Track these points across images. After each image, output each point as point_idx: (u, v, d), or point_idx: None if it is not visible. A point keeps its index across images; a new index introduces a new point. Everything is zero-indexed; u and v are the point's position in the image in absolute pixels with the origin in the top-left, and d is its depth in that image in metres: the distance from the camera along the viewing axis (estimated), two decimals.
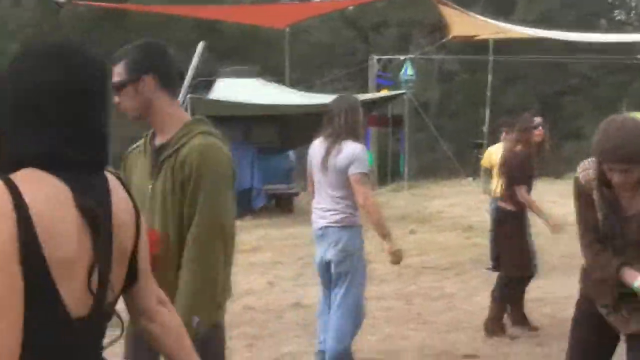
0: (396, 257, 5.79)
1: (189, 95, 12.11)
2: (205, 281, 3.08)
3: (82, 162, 1.93)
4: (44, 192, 1.82)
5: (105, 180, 2.01)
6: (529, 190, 7.14)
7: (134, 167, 3.30)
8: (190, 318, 2.99)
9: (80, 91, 1.93)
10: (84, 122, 1.94)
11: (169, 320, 2.28)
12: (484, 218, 10.71)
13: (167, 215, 3.12)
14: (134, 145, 3.38)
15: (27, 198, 1.77)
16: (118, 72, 3.15)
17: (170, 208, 3.11)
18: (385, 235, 5.70)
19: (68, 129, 1.90)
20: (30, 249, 1.74)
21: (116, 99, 3.16)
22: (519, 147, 7.14)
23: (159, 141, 3.23)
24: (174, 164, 3.11)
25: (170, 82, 3.22)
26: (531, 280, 7.35)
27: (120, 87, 3.14)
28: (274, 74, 21.35)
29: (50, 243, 1.77)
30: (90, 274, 1.86)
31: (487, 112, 24.18)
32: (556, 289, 8.35)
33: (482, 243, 10.41)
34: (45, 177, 1.85)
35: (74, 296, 1.83)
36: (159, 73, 3.16)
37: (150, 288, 2.21)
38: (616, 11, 39.67)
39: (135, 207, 2.12)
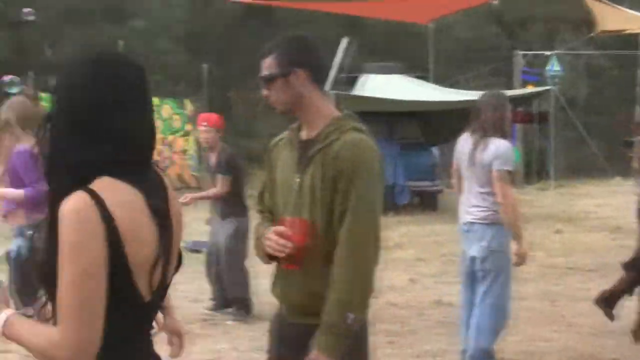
0: (520, 260, 5.75)
1: (333, 91, 12.23)
2: (359, 278, 3.07)
3: (138, 162, 2.12)
4: (122, 199, 2.03)
5: (156, 173, 2.22)
6: None
7: (278, 160, 3.31)
8: (344, 315, 3.01)
9: (125, 101, 2.10)
10: (133, 128, 2.11)
11: None
12: (634, 219, 10.35)
13: (316, 207, 3.11)
14: (278, 138, 3.38)
15: (110, 208, 1.99)
16: (268, 66, 3.15)
17: (319, 201, 3.10)
18: (517, 236, 5.66)
19: (121, 137, 2.07)
20: (116, 254, 2.00)
21: (264, 91, 3.19)
22: None
23: (306, 135, 3.21)
24: (325, 159, 3.09)
25: (320, 76, 3.22)
26: None
27: (270, 80, 3.15)
28: (417, 70, 21.24)
29: (132, 247, 2.02)
30: (155, 266, 2.10)
31: (638, 109, 23.33)
32: None
33: (630, 245, 10.06)
34: (118, 184, 2.04)
35: (144, 285, 2.10)
36: (311, 67, 3.16)
37: None
38: None
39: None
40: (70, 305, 1.99)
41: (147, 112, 2.19)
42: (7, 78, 7.31)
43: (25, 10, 7.85)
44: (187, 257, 7.29)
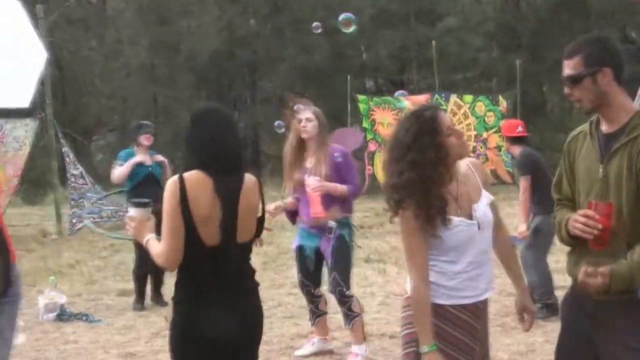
0: None
1: None
2: None
3: (224, 168, 3.74)
4: (196, 180, 3.70)
5: (241, 177, 3.80)
6: None
7: (578, 151, 3.49)
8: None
9: (218, 138, 3.77)
10: (222, 149, 3.76)
11: None
12: None
13: (621, 194, 3.27)
14: (577, 131, 3.56)
15: (187, 183, 3.69)
16: (574, 66, 3.33)
17: (624, 188, 3.26)
18: None
19: (215, 153, 3.74)
20: (185, 209, 3.66)
21: (568, 90, 3.38)
22: None
23: (607, 129, 3.37)
24: (631, 151, 3.25)
25: (621, 74, 3.34)
26: None
27: (577, 80, 3.33)
28: None
29: (194, 206, 3.67)
30: (221, 224, 3.70)
31: None
32: None
33: None
34: (200, 174, 3.72)
35: (208, 234, 3.70)
36: (614, 66, 3.31)
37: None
38: None
39: (260, 192, 3.92)
40: (164, 232, 3.69)
41: (228, 139, 3.80)
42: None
43: (314, 24, 8.20)
44: None
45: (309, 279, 6.67)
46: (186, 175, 3.71)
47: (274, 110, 30.05)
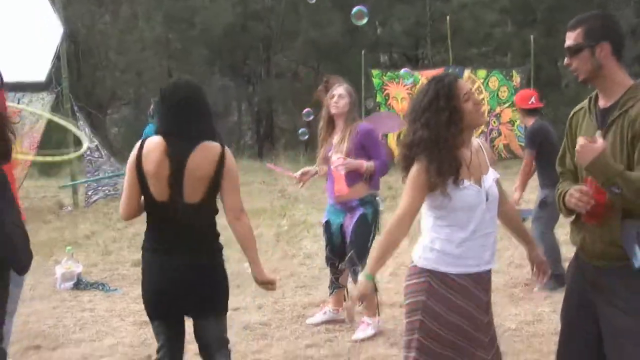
0: None
1: None
2: None
3: (178, 136, 4.12)
4: (153, 144, 4.15)
5: (193, 144, 4.09)
6: None
7: (579, 126, 3.65)
8: None
9: (174, 110, 4.17)
10: (177, 119, 4.14)
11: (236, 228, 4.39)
12: None
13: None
14: (578, 107, 3.72)
15: (145, 146, 4.17)
16: (575, 37, 3.52)
17: (618, 160, 3.39)
18: None
19: (171, 122, 4.16)
20: (138, 166, 4.13)
21: (567, 60, 3.56)
22: None
23: (603, 104, 3.53)
24: (623, 123, 3.40)
25: (620, 50, 3.51)
26: None
27: (576, 51, 3.52)
28: None
29: (146, 164, 4.12)
30: (168, 182, 4.08)
31: None
32: None
33: None
34: (159, 139, 4.15)
35: (158, 190, 4.13)
36: (614, 42, 3.49)
37: (227, 203, 4.25)
38: None
39: (219, 160, 4.10)
40: (124, 186, 4.25)
41: (184, 110, 4.12)
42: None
43: None
44: None
45: (334, 254, 6.80)
46: (147, 139, 4.23)
47: (289, 84, 30.13)
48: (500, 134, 19.60)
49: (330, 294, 7.02)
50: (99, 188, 15.06)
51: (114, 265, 10.03)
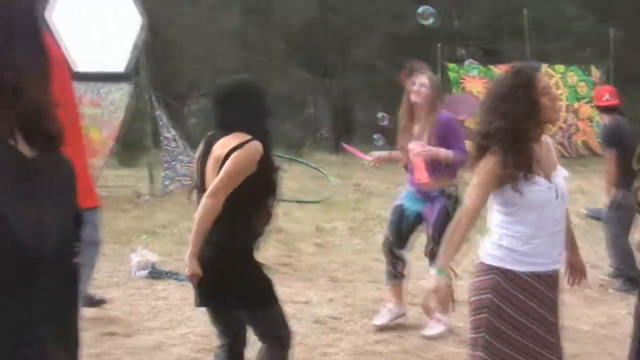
0: None
1: None
2: None
3: (218, 128, 4.34)
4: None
5: (220, 135, 4.27)
6: None
7: None
8: None
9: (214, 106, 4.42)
10: (216, 113, 4.41)
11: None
12: None
13: None
14: None
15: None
16: None
17: None
18: None
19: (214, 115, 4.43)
20: None
21: None
22: None
23: None
24: None
25: None
26: None
27: None
28: None
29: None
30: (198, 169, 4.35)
31: None
32: None
33: None
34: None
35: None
36: None
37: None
38: None
39: (234, 148, 4.11)
40: None
41: (217, 106, 4.34)
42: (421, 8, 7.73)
43: None
44: (587, 223, 7.48)
45: (396, 238, 6.64)
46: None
47: (366, 77, 30.10)
48: (578, 130, 19.27)
49: (386, 284, 6.84)
50: (176, 178, 15.27)
51: None
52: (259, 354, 4.48)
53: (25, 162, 1.79)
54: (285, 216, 12.96)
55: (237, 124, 4.22)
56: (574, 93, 19.18)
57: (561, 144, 19.08)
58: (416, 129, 6.45)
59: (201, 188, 4.31)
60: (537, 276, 3.68)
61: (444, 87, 19.37)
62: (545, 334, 3.68)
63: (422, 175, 6.39)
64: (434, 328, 6.50)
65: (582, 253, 8.99)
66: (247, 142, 4.14)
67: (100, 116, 14.93)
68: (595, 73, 19.37)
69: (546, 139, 3.83)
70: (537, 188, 3.63)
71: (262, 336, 4.41)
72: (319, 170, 12.33)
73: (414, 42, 27.26)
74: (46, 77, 1.89)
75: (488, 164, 3.64)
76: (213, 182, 4.14)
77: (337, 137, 31.39)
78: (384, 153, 6.82)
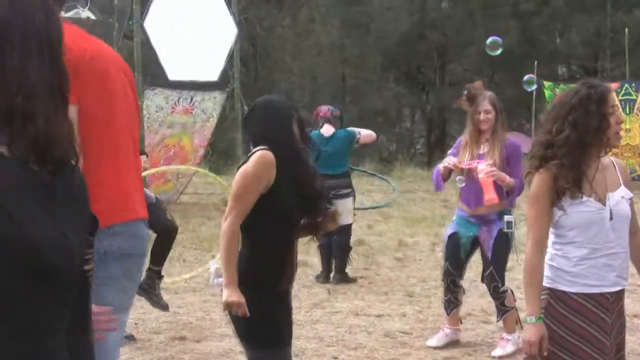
0: None
1: None
2: None
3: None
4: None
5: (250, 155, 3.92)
6: None
7: None
8: None
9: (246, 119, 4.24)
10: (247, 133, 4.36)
11: None
12: None
13: None
14: None
15: None
16: None
17: None
18: None
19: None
20: None
21: None
22: None
23: None
24: None
25: None
26: None
27: None
28: None
29: None
30: None
31: None
32: None
33: None
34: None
35: None
36: None
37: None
38: None
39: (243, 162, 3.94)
40: None
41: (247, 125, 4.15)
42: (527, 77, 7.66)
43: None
44: None
45: (457, 268, 6.56)
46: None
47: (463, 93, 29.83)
48: None
49: (448, 313, 6.71)
50: None
51: None
52: None
53: (44, 181, 1.77)
54: (369, 229, 12.94)
55: (258, 142, 3.96)
56: None
57: None
58: (482, 149, 6.33)
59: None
60: (590, 297, 3.53)
61: (539, 104, 19.06)
62: (599, 357, 3.53)
63: (492, 196, 6.25)
64: (503, 348, 6.35)
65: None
66: (253, 154, 3.91)
67: (192, 124, 15.18)
68: None
69: (609, 159, 3.68)
70: (583, 207, 3.49)
71: None
72: (380, 177, 12.25)
73: (512, 58, 26.94)
74: (62, 98, 1.82)
75: (540, 182, 3.53)
76: (228, 205, 3.94)
77: (431, 152, 31.20)
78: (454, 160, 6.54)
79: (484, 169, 6.21)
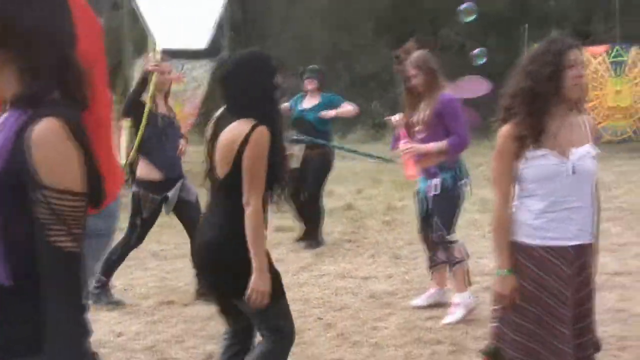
0: None
1: None
2: None
3: (228, 110, 4.05)
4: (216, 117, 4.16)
5: (232, 121, 3.91)
6: None
7: None
8: None
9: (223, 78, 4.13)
10: (226, 94, 4.07)
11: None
12: None
13: None
14: None
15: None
16: None
17: None
18: None
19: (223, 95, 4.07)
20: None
21: None
22: None
23: None
24: None
25: None
26: None
27: None
28: None
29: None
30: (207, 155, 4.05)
31: None
32: None
33: None
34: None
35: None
36: None
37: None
38: None
39: (243, 141, 3.82)
40: None
41: (228, 85, 4.02)
42: (476, 51, 7.63)
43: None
44: None
45: (422, 224, 6.59)
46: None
47: (455, 58, 29.78)
48: None
49: (429, 272, 6.78)
50: None
51: None
52: (252, 350, 4.21)
53: None
54: (358, 194, 13.03)
55: (244, 110, 3.94)
56: None
57: None
58: (418, 114, 6.34)
59: (211, 173, 4.05)
60: (551, 249, 3.63)
61: None
62: (558, 307, 3.63)
63: (412, 172, 6.35)
64: (453, 314, 6.32)
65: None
66: (252, 130, 3.85)
67: (183, 92, 15.20)
68: None
69: (581, 118, 3.75)
70: (544, 160, 3.60)
71: (262, 326, 4.11)
72: (372, 156, 12.23)
73: (504, 22, 26.91)
74: (75, 39, 2.01)
75: (503, 137, 3.64)
76: (245, 188, 3.84)
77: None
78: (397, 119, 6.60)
79: (401, 146, 6.26)
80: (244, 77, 3.97)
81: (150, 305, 6.85)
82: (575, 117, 3.72)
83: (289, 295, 6.90)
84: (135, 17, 15.15)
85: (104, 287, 6.79)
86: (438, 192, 6.33)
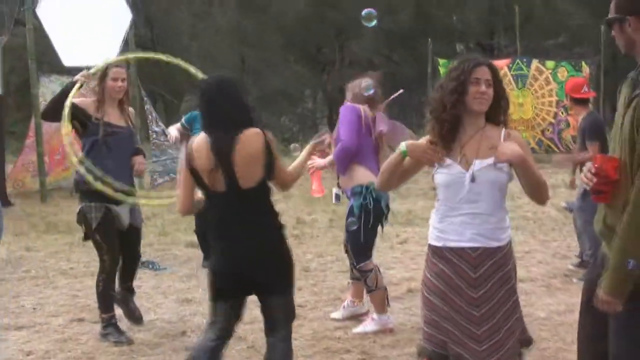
0: None
1: None
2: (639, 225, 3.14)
3: (219, 129, 4.32)
4: (199, 141, 4.35)
5: (235, 135, 4.26)
6: None
7: (621, 98, 3.41)
8: (624, 260, 3.16)
9: (212, 107, 4.38)
10: (216, 114, 4.35)
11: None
12: None
13: (625, 146, 3.22)
14: (629, 76, 3.39)
15: (193, 144, 4.37)
16: (610, 10, 3.37)
17: (627, 140, 3.20)
18: None
19: (210, 118, 4.38)
20: (190, 164, 4.34)
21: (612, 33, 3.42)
22: None
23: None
24: (637, 105, 3.15)
25: None
26: None
27: (609, 23, 3.40)
28: None
29: (197, 161, 4.32)
30: (210, 173, 4.30)
31: None
32: None
33: None
34: (203, 135, 4.35)
35: (214, 183, 4.31)
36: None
37: (279, 179, 4.49)
38: None
39: (265, 144, 4.29)
40: (179, 183, 4.51)
41: (221, 105, 4.32)
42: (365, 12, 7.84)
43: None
44: (565, 216, 7.59)
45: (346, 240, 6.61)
46: (195, 138, 4.47)
47: (362, 73, 30.17)
48: (568, 126, 19.35)
49: (347, 284, 6.87)
50: (164, 171, 15.41)
51: (168, 246, 10.35)
52: (268, 352, 4.71)
53: None
54: None
55: (244, 122, 4.34)
56: (564, 89, 19.26)
57: (551, 139, 19.21)
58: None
59: (234, 186, 4.32)
60: (453, 251, 3.92)
61: (435, 82, 19.52)
62: (469, 308, 3.87)
63: (317, 189, 6.54)
64: (365, 326, 6.43)
65: (554, 244, 9.17)
66: (265, 135, 4.33)
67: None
68: (586, 69, 19.44)
69: (507, 132, 3.96)
70: (445, 171, 3.93)
71: (287, 324, 4.73)
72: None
73: (410, 37, 27.42)
74: None
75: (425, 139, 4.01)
76: (284, 177, 4.50)
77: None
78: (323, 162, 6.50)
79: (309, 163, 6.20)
80: (234, 95, 4.40)
81: (61, 324, 6.81)
82: (491, 130, 3.95)
83: (199, 309, 7.02)
84: (39, 34, 15.01)
85: (110, 324, 6.48)
86: (347, 221, 6.36)
